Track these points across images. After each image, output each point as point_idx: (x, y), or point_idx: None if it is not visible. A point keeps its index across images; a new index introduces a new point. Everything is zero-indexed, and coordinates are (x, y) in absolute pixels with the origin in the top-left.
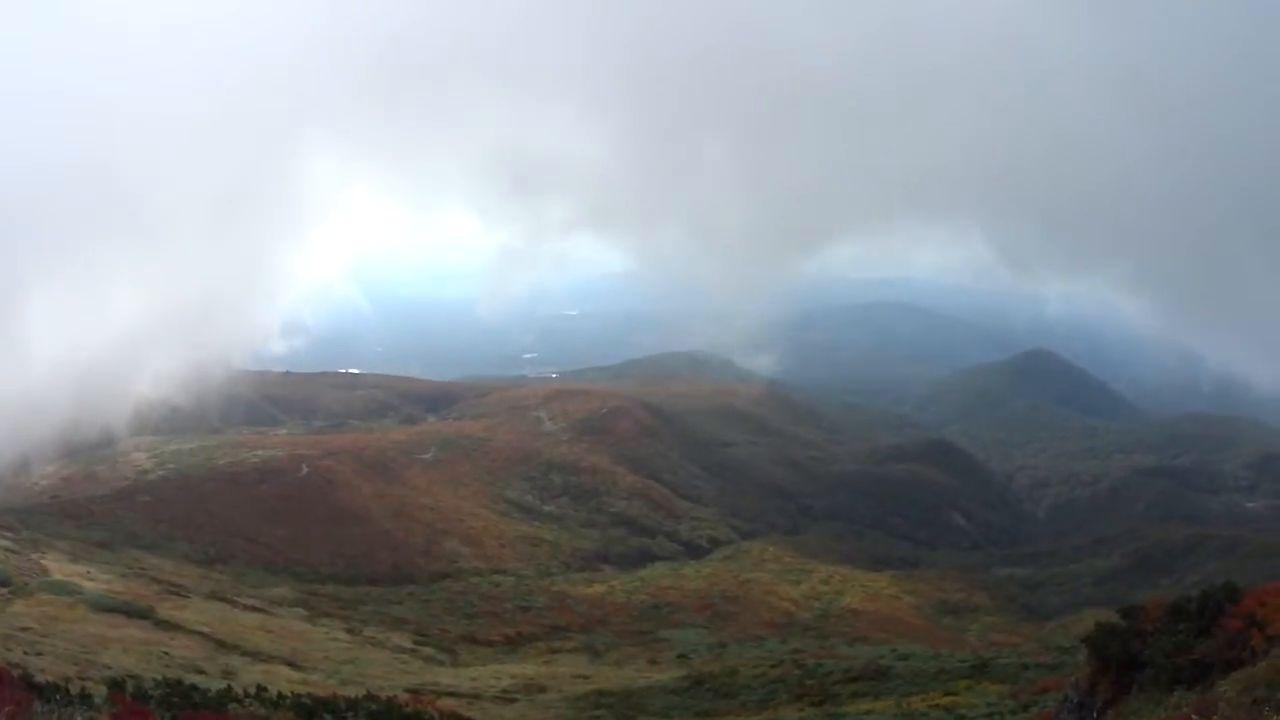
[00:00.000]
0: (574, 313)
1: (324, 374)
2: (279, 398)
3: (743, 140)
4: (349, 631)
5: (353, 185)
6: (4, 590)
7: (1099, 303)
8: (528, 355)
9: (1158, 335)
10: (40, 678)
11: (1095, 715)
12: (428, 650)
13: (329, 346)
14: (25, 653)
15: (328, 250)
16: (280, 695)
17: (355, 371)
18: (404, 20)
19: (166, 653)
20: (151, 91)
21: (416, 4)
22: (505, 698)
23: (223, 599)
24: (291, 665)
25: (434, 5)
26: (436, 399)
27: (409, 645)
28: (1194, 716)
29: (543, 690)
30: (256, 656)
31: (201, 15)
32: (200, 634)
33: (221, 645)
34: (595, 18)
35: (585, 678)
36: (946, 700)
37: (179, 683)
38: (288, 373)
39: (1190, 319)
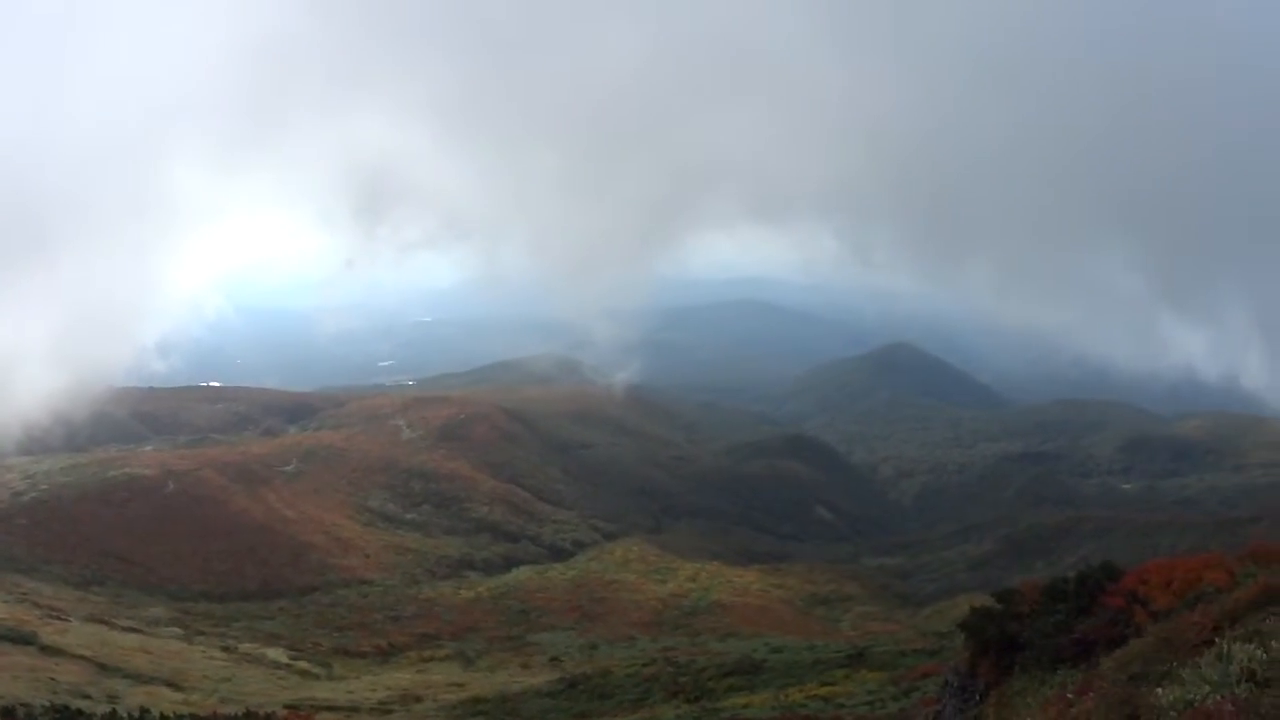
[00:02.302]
0: (428, 319)
1: (187, 388)
2: (145, 414)
3: (580, 150)
4: (225, 649)
5: (225, 199)
6: None
7: (957, 297)
8: (384, 363)
9: (1018, 326)
10: None
11: (978, 698)
12: (303, 664)
13: (206, 361)
14: None
15: (203, 264)
16: (163, 716)
17: (217, 385)
18: (268, 36)
19: (53, 678)
20: (24, 110)
21: (282, 19)
22: (382, 709)
23: (102, 621)
24: (172, 686)
25: (300, 21)
26: (296, 410)
27: (284, 660)
28: (1069, 694)
29: (419, 700)
30: (138, 678)
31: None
32: (84, 658)
33: (104, 669)
34: (442, 38)
35: (460, 685)
36: (824, 690)
37: (66, 708)
38: (152, 388)
39: (1051, 309)
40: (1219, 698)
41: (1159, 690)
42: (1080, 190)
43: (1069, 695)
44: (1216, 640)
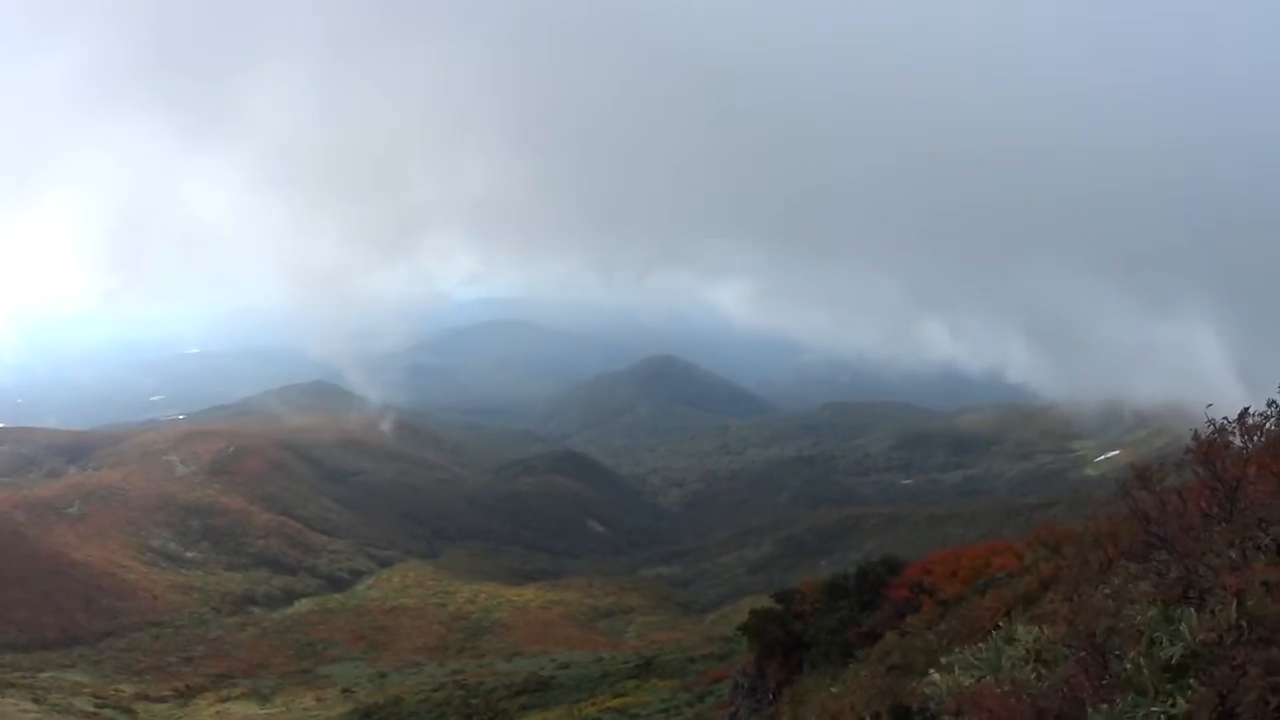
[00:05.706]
0: (195, 350)
1: None
2: None
3: (318, 187)
4: (35, 701)
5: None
6: None
7: (720, 310)
8: (154, 398)
9: (777, 336)
10: None
11: (771, 697)
12: (109, 713)
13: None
14: None
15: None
16: None
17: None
18: (46, 72)
19: None
20: None
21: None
22: None
23: None
24: None
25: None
26: (76, 449)
27: (91, 709)
28: (833, 688)
29: None
30: None
31: None
32: None
33: None
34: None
35: None
36: (618, 701)
37: None
38: None
39: (807, 317)
40: (993, 679)
41: (935, 676)
42: (849, 201)
43: (832, 689)
44: (1002, 624)
